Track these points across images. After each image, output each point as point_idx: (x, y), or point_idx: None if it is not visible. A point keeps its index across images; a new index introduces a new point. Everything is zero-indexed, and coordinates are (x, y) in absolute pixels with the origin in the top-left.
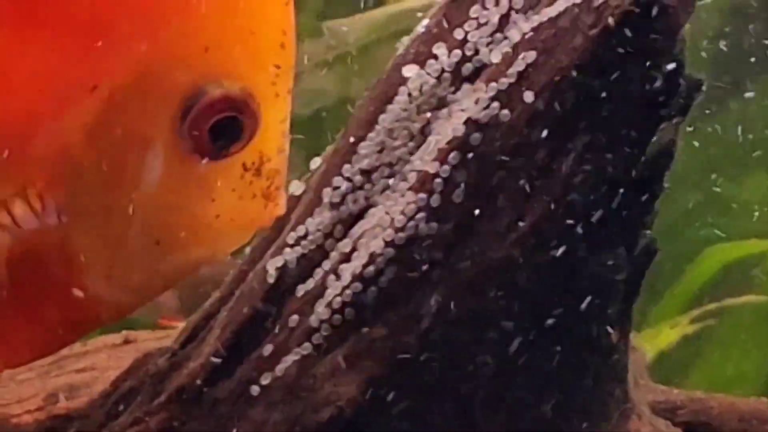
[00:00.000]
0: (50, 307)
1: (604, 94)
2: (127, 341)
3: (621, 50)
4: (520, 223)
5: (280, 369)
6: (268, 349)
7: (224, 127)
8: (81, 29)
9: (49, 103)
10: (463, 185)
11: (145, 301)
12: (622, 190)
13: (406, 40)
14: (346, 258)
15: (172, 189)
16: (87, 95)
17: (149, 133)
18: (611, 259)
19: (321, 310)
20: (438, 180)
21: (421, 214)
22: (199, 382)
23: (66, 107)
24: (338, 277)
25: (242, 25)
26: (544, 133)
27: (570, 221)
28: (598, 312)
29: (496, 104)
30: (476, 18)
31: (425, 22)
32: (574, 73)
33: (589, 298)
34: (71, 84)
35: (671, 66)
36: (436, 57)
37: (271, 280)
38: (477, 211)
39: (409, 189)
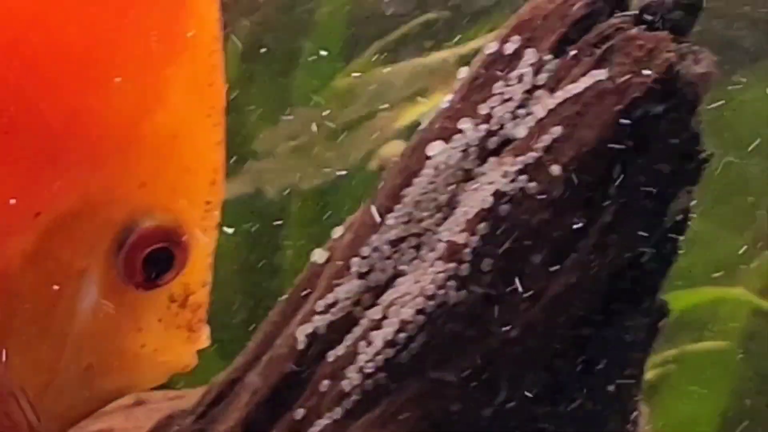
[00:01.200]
0: None
1: (626, 167)
2: (138, 402)
3: (643, 124)
4: (547, 291)
5: None
6: (299, 413)
7: (155, 258)
8: (29, 157)
9: None
10: (491, 255)
11: (66, 428)
12: (643, 258)
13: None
14: (377, 325)
15: (103, 317)
16: (29, 222)
17: (85, 262)
18: (630, 323)
19: (353, 375)
20: (467, 250)
21: (450, 283)
22: None
23: (8, 233)
24: (369, 343)
25: (178, 163)
26: (571, 204)
27: (594, 288)
28: (616, 372)
29: (523, 177)
30: (500, 94)
31: (448, 97)
32: (599, 147)
33: (607, 360)
34: (15, 210)
35: (688, 137)
36: (461, 131)
37: (300, 347)
38: (505, 280)
39: (439, 259)
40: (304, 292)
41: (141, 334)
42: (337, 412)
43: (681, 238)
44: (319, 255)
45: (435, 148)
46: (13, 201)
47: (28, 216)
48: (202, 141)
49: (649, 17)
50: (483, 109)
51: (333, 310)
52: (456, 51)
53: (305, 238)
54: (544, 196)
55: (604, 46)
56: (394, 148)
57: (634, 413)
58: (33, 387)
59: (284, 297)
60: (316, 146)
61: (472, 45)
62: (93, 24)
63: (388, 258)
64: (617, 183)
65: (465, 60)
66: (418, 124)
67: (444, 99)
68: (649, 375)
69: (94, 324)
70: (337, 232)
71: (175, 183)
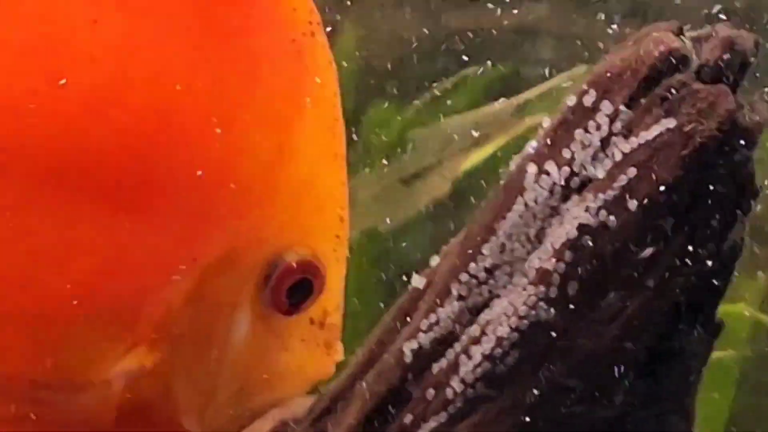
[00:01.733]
0: None
1: (694, 202)
2: None
3: (708, 166)
4: (625, 311)
5: None
6: (408, 418)
7: (297, 287)
8: (185, 212)
9: (157, 276)
10: (576, 280)
11: None
12: (704, 283)
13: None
14: (476, 341)
15: (254, 342)
16: (188, 268)
17: (237, 298)
18: (693, 338)
19: (455, 384)
20: (555, 275)
21: (541, 304)
22: None
23: (170, 279)
24: (470, 357)
25: (311, 204)
26: (646, 235)
27: (664, 307)
28: (685, 381)
29: (603, 212)
30: (581, 140)
31: (533, 143)
32: (670, 186)
33: (673, 371)
34: (176, 259)
35: (746, 175)
36: (548, 173)
37: (407, 360)
38: (589, 302)
39: (530, 283)
40: (407, 313)
41: (287, 353)
42: (443, 416)
43: (737, 261)
44: (418, 281)
45: (528, 186)
46: (172, 250)
47: (187, 262)
48: (330, 182)
49: (712, 74)
50: (566, 153)
51: (436, 328)
52: (512, 102)
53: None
54: (622, 229)
55: (672, 99)
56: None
57: (694, 415)
58: (195, 405)
59: (387, 317)
60: (391, 193)
61: (525, 96)
62: (229, 90)
63: (484, 283)
64: (685, 217)
65: (521, 110)
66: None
67: (530, 143)
68: None
69: (246, 351)
70: (434, 260)
71: (310, 222)
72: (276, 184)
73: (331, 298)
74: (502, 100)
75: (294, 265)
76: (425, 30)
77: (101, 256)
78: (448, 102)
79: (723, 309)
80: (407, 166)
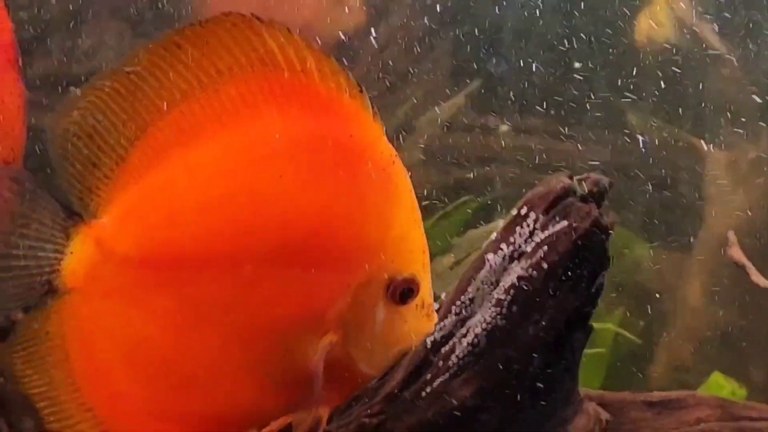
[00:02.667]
0: (342, 386)
1: (577, 265)
2: None
3: (584, 246)
4: (542, 320)
5: (435, 383)
6: (428, 376)
7: (406, 291)
8: (344, 264)
9: (333, 296)
10: (516, 305)
11: (378, 376)
12: (582, 307)
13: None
14: (464, 336)
15: (387, 320)
16: (349, 288)
17: (375, 300)
18: (578, 335)
19: (453, 358)
20: (505, 302)
21: (498, 317)
22: (396, 391)
23: (329, 305)
24: (461, 344)
25: (409, 246)
26: (552, 283)
27: (562, 319)
28: (575, 357)
29: (530, 269)
30: (519, 232)
31: (493, 235)
32: (564, 257)
33: (569, 355)
34: (342, 285)
35: (605, 249)
36: (502, 249)
37: (428, 345)
38: (524, 317)
39: (492, 306)
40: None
41: (405, 324)
42: (447, 375)
43: (600, 298)
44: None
45: (490, 257)
46: (339, 281)
47: (348, 286)
48: (415, 234)
49: (587, 198)
50: (511, 239)
51: (444, 329)
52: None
53: None
54: (540, 279)
55: (566, 211)
56: None
57: (578, 378)
58: (364, 361)
59: None
60: None
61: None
62: (349, 205)
63: (469, 306)
64: (573, 272)
65: None
66: None
67: (492, 236)
68: None
69: (385, 325)
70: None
71: (410, 255)
72: (387, 242)
73: (426, 295)
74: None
75: (403, 281)
76: None
77: (306, 288)
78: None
79: (599, 326)
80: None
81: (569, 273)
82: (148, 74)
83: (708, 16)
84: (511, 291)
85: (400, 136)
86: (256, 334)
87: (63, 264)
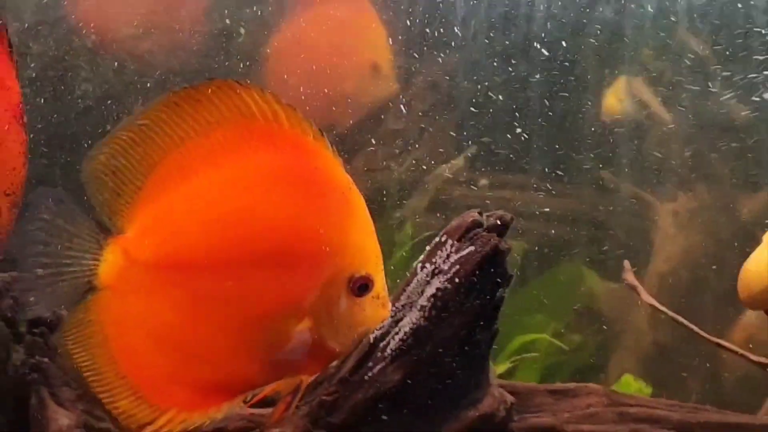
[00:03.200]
0: (317, 359)
1: (480, 279)
2: None
3: (487, 265)
4: (456, 321)
5: (375, 370)
6: (371, 363)
7: (363, 286)
8: (312, 265)
9: (304, 290)
10: (436, 310)
11: (345, 352)
12: (487, 314)
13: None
14: (397, 333)
15: (347, 309)
16: (316, 285)
17: (338, 292)
18: (485, 336)
19: (389, 350)
20: (427, 308)
21: (422, 319)
22: (347, 375)
23: (309, 291)
24: (395, 339)
25: (369, 249)
26: (463, 293)
27: (472, 321)
28: (476, 360)
29: (446, 283)
30: (439, 254)
31: (422, 257)
32: (473, 274)
33: (472, 353)
34: (309, 283)
35: (505, 268)
36: (426, 267)
37: (371, 339)
38: (440, 320)
39: (418, 311)
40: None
41: (363, 312)
42: (385, 362)
43: (501, 306)
44: None
45: (418, 272)
46: (306, 280)
47: (315, 283)
48: (369, 242)
49: (490, 229)
50: (434, 259)
51: (383, 327)
52: None
53: None
54: (454, 290)
55: (474, 238)
56: None
57: (490, 369)
58: (333, 342)
59: None
60: None
61: None
62: (314, 218)
63: (401, 310)
64: (479, 285)
65: None
66: None
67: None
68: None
69: (346, 313)
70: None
71: (365, 259)
72: (345, 252)
73: (380, 287)
74: None
75: (361, 278)
76: None
77: (285, 285)
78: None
79: (532, 335)
80: None
81: (476, 286)
82: (154, 125)
83: (657, 90)
84: (432, 299)
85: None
86: (249, 320)
87: (99, 269)
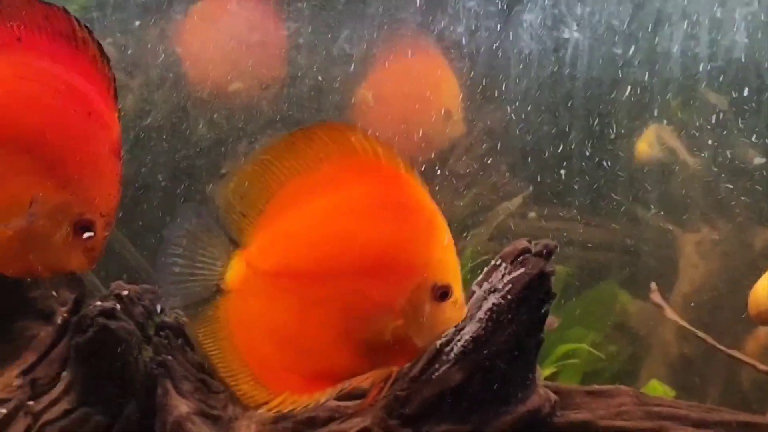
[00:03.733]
0: (404, 354)
1: (529, 296)
2: None
3: (535, 283)
4: (511, 329)
5: (440, 370)
6: (437, 365)
7: (443, 293)
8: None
9: (399, 296)
10: (492, 321)
11: (426, 348)
12: (534, 325)
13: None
14: (459, 341)
15: (433, 313)
16: (407, 293)
17: (425, 299)
18: (529, 342)
19: (452, 354)
20: (485, 320)
21: (480, 330)
22: (417, 374)
23: None
24: (457, 345)
25: (449, 263)
26: (516, 307)
27: (522, 331)
28: (525, 363)
29: (500, 299)
30: (495, 275)
31: (480, 277)
32: (525, 291)
33: (521, 358)
34: (404, 289)
35: (549, 286)
36: (481, 286)
37: (438, 344)
38: (498, 328)
39: (476, 322)
40: None
41: (444, 315)
42: (449, 363)
43: (545, 319)
44: None
45: (476, 290)
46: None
47: (403, 293)
48: (450, 258)
49: (538, 254)
50: (490, 279)
51: (447, 335)
52: None
53: None
54: (509, 304)
55: (524, 261)
56: None
57: (537, 372)
58: (416, 337)
59: None
60: None
61: None
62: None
63: (463, 322)
64: (527, 301)
65: None
66: None
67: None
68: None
69: (431, 315)
70: None
71: (446, 271)
72: (430, 265)
73: (458, 295)
74: None
75: (441, 286)
76: None
77: (381, 291)
78: None
79: (573, 345)
80: None
81: (525, 302)
82: (275, 159)
83: (682, 136)
84: (488, 312)
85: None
86: (350, 319)
87: (227, 275)
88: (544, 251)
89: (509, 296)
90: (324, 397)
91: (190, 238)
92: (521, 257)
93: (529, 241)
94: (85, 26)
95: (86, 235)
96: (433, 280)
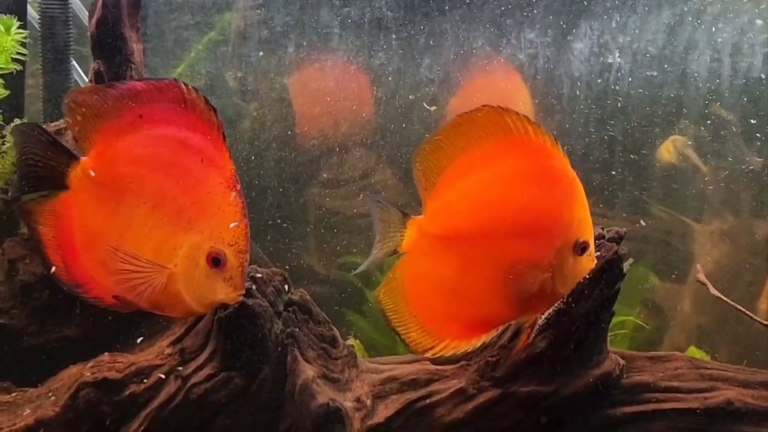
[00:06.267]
0: (548, 301)
1: (605, 279)
2: None
3: (613, 264)
4: (585, 308)
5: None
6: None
7: (582, 248)
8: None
9: (547, 252)
10: (570, 297)
11: (566, 293)
12: (609, 299)
13: None
14: (543, 313)
15: (574, 265)
16: (554, 249)
17: (568, 254)
18: (607, 315)
19: (539, 323)
20: (568, 297)
21: (561, 303)
22: (506, 342)
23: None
24: (545, 313)
25: (587, 222)
26: (592, 285)
27: (606, 304)
28: (600, 332)
29: (582, 278)
30: None
31: None
32: (598, 273)
33: (598, 328)
34: (551, 245)
35: (620, 267)
36: None
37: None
38: (574, 303)
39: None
40: None
41: (582, 266)
42: (533, 334)
43: (618, 295)
44: None
45: None
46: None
47: (551, 249)
48: (587, 217)
49: (611, 240)
50: None
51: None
52: None
53: None
54: (586, 283)
55: (599, 247)
56: None
57: (607, 340)
58: (561, 287)
59: None
60: None
61: None
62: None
63: None
64: (603, 279)
65: None
66: None
67: None
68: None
69: (573, 267)
70: None
71: (585, 229)
72: (572, 224)
73: (592, 249)
74: None
75: (582, 242)
76: None
77: (532, 248)
78: None
79: (622, 317)
80: None
81: (601, 280)
82: (445, 139)
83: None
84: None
85: None
86: (506, 273)
87: (404, 240)
88: (616, 237)
89: (588, 275)
90: (479, 342)
91: (377, 217)
92: (597, 242)
93: (603, 229)
94: (193, 88)
95: (220, 265)
96: (575, 238)
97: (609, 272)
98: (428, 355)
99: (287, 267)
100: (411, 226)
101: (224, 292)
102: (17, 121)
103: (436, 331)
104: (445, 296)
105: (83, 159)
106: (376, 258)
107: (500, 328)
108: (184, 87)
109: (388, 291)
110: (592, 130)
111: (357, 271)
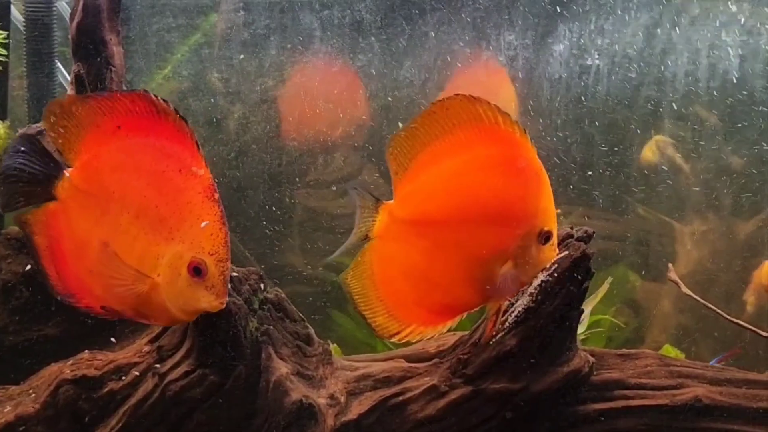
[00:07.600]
0: (512, 290)
1: (573, 278)
2: None
3: (580, 262)
4: (553, 307)
5: (497, 336)
6: (495, 333)
7: (547, 237)
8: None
9: (510, 241)
10: (539, 296)
11: (530, 282)
12: (577, 297)
13: None
14: (513, 311)
15: (537, 254)
16: (517, 238)
17: (531, 243)
18: (575, 314)
19: (510, 319)
20: (534, 294)
21: (531, 302)
22: (477, 340)
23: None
24: (513, 313)
25: (551, 212)
26: (559, 284)
27: (569, 304)
28: (568, 330)
29: (549, 277)
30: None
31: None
32: (566, 272)
33: (565, 326)
34: (515, 234)
35: (589, 267)
36: (516, 302)
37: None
38: (543, 302)
39: (528, 296)
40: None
41: (545, 255)
42: (503, 332)
43: (586, 294)
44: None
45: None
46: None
47: (515, 238)
48: (551, 207)
49: (579, 239)
50: (521, 299)
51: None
52: None
53: None
54: (554, 282)
55: (568, 245)
56: None
57: (576, 338)
58: (523, 276)
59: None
60: None
61: None
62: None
63: (516, 294)
64: (571, 278)
65: None
66: None
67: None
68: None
69: (536, 256)
70: None
71: (549, 219)
72: (537, 213)
73: (555, 239)
74: None
75: (546, 231)
76: None
77: (496, 237)
78: None
79: (598, 315)
80: None
81: (569, 278)
82: (419, 127)
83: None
84: (538, 288)
85: None
86: (473, 260)
87: (375, 225)
88: (584, 236)
89: (556, 274)
90: (444, 328)
91: (352, 201)
92: (566, 241)
93: (571, 228)
94: (163, 99)
95: (202, 275)
96: (540, 227)
97: (576, 271)
98: (394, 339)
99: (264, 266)
100: (382, 211)
101: (207, 300)
102: (0, 123)
103: (402, 316)
104: (412, 281)
105: (69, 170)
106: (350, 243)
107: (464, 315)
108: (154, 98)
109: (357, 275)
110: (569, 131)
111: (331, 258)
